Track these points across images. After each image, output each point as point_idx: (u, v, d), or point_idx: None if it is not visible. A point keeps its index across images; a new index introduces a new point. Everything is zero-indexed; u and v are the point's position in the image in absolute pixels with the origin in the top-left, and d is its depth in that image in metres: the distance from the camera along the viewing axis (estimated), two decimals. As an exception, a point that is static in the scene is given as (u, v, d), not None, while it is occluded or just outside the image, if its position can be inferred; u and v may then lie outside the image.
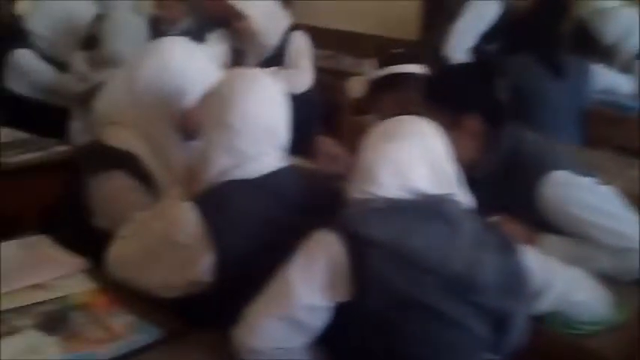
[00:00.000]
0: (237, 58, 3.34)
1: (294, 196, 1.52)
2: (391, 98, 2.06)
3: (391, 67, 2.07)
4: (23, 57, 2.85)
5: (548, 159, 1.77)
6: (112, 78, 1.82)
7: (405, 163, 1.40)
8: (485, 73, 1.83)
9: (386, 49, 4.20)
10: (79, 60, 2.84)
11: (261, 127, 1.50)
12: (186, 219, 1.44)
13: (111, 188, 1.70)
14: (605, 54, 3.41)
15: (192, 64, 1.76)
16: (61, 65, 2.91)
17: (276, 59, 3.14)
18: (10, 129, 2.56)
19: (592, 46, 3.43)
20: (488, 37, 3.50)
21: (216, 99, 1.55)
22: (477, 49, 3.49)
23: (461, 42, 3.45)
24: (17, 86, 2.85)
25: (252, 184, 1.48)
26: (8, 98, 2.82)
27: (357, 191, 1.41)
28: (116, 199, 1.69)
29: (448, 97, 1.79)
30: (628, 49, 3.37)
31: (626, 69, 3.36)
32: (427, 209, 1.36)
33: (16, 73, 2.84)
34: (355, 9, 4.52)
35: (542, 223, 1.72)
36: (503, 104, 1.82)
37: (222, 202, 1.45)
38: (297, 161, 1.77)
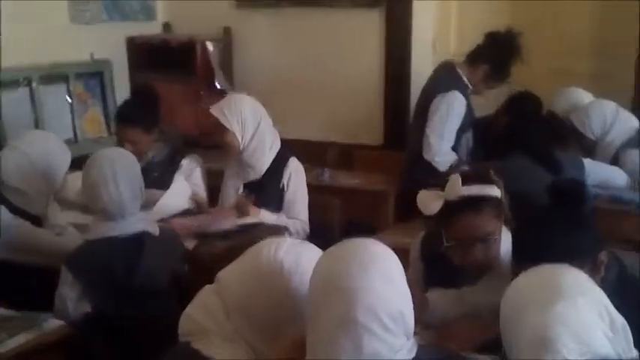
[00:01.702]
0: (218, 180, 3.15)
1: None
2: (473, 222, 1.89)
3: (475, 187, 1.90)
4: None
5: None
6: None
7: (584, 324, 1.21)
8: (571, 205, 1.67)
9: (355, 157, 4.27)
10: (55, 212, 2.51)
11: (389, 316, 1.26)
12: None
13: None
14: (590, 148, 3.43)
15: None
16: (35, 219, 2.55)
17: (263, 184, 2.97)
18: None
19: (577, 141, 3.45)
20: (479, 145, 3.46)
21: (332, 288, 1.30)
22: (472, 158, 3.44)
23: (442, 141, 3.39)
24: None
25: None
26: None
27: None
28: None
29: (548, 253, 1.59)
30: (612, 141, 3.39)
31: (612, 161, 3.36)
32: None
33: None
34: (319, 119, 4.39)
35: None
36: (599, 234, 1.67)
37: None
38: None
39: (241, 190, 3.02)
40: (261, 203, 2.95)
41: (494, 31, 3.43)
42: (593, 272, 1.56)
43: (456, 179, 1.92)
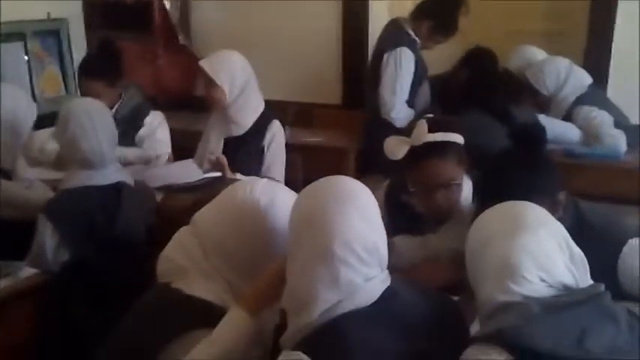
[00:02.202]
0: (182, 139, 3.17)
1: (408, 318, 1.35)
2: (436, 167, 1.95)
3: (440, 134, 1.96)
4: None
5: (615, 228, 1.71)
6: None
7: (546, 254, 1.28)
8: (531, 146, 1.76)
9: (314, 116, 4.31)
10: (23, 167, 2.50)
11: (365, 249, 1.33)
12: None
13: None
14: (544, 104, 3.54)
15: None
16: (3, 173, 2.54)
17: (244, 141, 2.99)
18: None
19: (531, 97, 3.56)
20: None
21: (310, 223, 1.35)
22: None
23: (396, 98, 3.44)
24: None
25: (367, 316, 1.30)
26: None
27: (498, 291, 1.24)
28: None
29: (510, 189, 1.67)
30: (565, 98, 3.49)
31: (565, 117, 3.48)
32: (589, 306, 1.24)
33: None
34: (278, 78, 4.41)
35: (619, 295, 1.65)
36: (560, 177, 1.77)
37: (338, 344, 1.26)
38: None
39: (221, 145, 3.03)
40: (239, 160, 2.96)
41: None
42: (551, 211, 1.65)
43: (422, 125, 1.98)
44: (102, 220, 2.25)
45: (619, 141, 3.34)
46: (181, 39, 4.27)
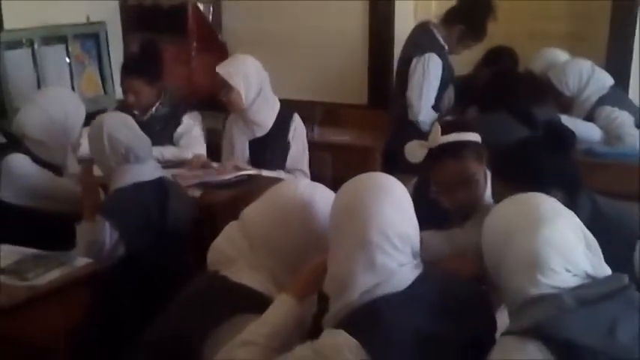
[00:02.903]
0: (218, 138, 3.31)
1: (438, 302, 1.46)
2: (454, 166, 2.04)
3: (454, 134, 2.06)
4: (18, 162, 2.63)
5: (631, 221, 1.80)
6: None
7: (567, 244, 1.37)
8: (560, 145, 1.86)
9: (340, 115, 4.42)
10: (74, 163, 2.67)
11: (397, 236, 1.46)
12: (343, 347, 1.36)
13: None
14: (567, 104, 3.63)
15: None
16: (55, 170, 2.71)
17: (268, 140, 3.10)
18: (10, 245, 2.33)
19: (553, 98, 3.64)
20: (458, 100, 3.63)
21: (349, 213, 1.49)
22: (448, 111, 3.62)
23: (423, 102, 3.53)
24: (9, 195, 2.61)
25: (402, 299, 1.43)
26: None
27: (528, 285, 1.35)
28: None
29: (528, 174, 1.79)
30: (587, 98, 3.57)
31: (587, 117, 3.57)
32: (618, 298, 1.33)
33: (9, 179, 2.60)
34: (305, 78, 4.53)
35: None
36: (578, 171, 1.86)
37: (376, 324, 1.39)
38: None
39: (247, 147, 3.17)
40: (267, 159, 3.11)
41: (469, -9, 3.54)
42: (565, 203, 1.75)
43: (436, 128, 2.08)
44: (156, 213, 2.41)
45: (639, 140, 3.41)
46: (221, 37, 4.38)
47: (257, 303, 1.61)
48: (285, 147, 3.15)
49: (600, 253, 1.45)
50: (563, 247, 1.37)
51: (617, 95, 3.59)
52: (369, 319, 1.40)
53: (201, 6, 4.38)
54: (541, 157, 1.83)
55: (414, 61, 3.53)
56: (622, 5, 3.75)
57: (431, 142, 2.07)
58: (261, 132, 3.14)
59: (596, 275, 1.40)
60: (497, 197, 1.84)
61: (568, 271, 1.37)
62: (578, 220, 1.47)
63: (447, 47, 3.58)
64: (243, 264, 1.71)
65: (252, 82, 3.07)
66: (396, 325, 1.39)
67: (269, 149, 3.13)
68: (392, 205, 1.48)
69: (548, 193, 1.73)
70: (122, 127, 2.48)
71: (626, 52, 3.75)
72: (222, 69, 3.08)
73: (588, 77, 3.57)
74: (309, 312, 1.67)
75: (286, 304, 1.57)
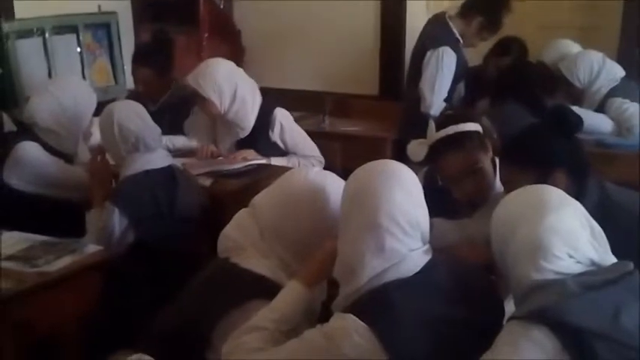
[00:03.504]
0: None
1: (450, 290, 1.47)
2: (455, 158, 2.05)
3: (451, 127, 2.07)
4: (29, 150, 2.65)
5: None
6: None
7: (571, 231, 1.38)
8: (566, 129, 1.86)
9: (351, 106, 4.44)
10: (85, 151, 2.69)
11: (407, 222, 1.46)
12: (352, 330, 1.37)
13: None
14: (578, 96, 3.62)
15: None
16: (66, 158, 2.74)
17: (253, 140, 3.10)
18: (20, 232, 2.35)
19: (564, 89, 3.64)
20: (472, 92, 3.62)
21: (358, 198, 1.50)
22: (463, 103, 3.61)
23: (436, 95, 3.52)
24: (21, 182, 2.63)
25: (410, 285, 1.43)
26: (9, 196, 2.60)
27: (532, 271, 1.36)
28: None
29: (534, 156, 1.80)
30: (598, 90, 3.57)
31: (597, 109, 3.56)
32: (621, 284, 1.34)
33: (20, 167, 2.62)
34: (316, 69, 4.54)
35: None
36: (586, 156, 1.87)
37: (385, 308, 1.39)
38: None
39: (233, 149, 3.13)
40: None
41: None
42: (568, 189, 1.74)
43: (431, 125, 2.10)
44: (165, 200, 2.42)
45: (650, 132, 3.41)
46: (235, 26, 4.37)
47: (267, 290, 1.63)
48: (272, 144, 3.11)
49: (606, 242, 1.46)
50: (567, 234, 1.39)
51: (628, 87, 3.57)
52: (378, 303, 1.41)
53: (213, -5, 4.40)
54: (546, 141, 1.84)
55: (429, 53, 3.52)
56: (633, -4, 3.74)
57: (429, 139, 2.09)
58: (243, 133, 3.10)
59: (602, 263, 1.41)
60: (506, 184, 1.85)
61: (571, 257, 1.38)
62: (584, 209, 1.48)
63: (462, 40, 3.57)
64: (253, 251, 1.72)
65: (225, 89, 3.00)
66: (405, 309, 1.39)
67: (256, 148, 3.09)
68: (402, 191, 1.49)
69: (554, 176, 1.76)
70: (133, 115, 2.49)
71: (638, 43, 3.73)
72: (191, 79, 3.02)
73: (599, 69, 3.57)
74: (318, 298, 1.69)
75: (296, 290, 1.58)
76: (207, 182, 2.88)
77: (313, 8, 4.47)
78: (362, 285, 1.44)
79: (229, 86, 3.01)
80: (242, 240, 1.75)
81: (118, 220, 2.38)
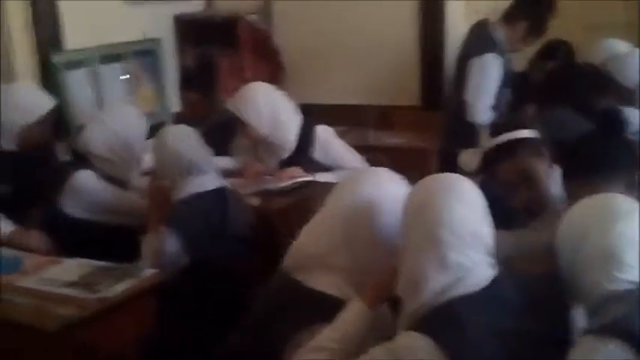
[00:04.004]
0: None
1: (518, 303, 1.45)
2: (510, 165, 2.04)
3: (505, 135, 2.06)
4: (85, 178, 2.72)
5: None
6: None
7: None
8: (618, 131, 1.84)
9: (394, 118, 4.43)
10: (138, 177, 2.75)
11: (469, 235, 1.45)
12: (417, 347, 1.36)
13: None
14: (629, 97, 3.53)
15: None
16: (120, 184, 2.80)
17: (295, 159, 3.12)
18: (79, 259, 2.41)
19: (615, 90, 3.56)
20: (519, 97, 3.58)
21: (419, 213, 1.49)
22: (511, 109, 3.57)
23: (482, 103, 3.49)
24: (77, 210, 2.70)
25: (478, 300, 1.42)
26: (67, 224, 2.68)
27: (605, 281, 1.33)
28: None
29: (595, 167, 1.78)
30: (649, 90, 3.48)
31: (649, 109, 3.47)
32: None
33: (77, 195, 2.70)
34: (357, 82, 4.55)
35: None
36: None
37: (453, 325, 1.38)
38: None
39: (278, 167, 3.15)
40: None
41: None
42: (631, 190, 1.71)
43: (485, 134, 2.11)
44: (218, 222, 2.46)
45: None
46: (275, 46, 4.44)
47: (332, 310, 1.62)
48: (314, 162, 3.11)
49: None
50: (638, 241, 1.36)
51: (679, 85, 3.49)
52: (445, 320, 1.40)
53: (253, 16, 4.44)
54: (607, 148, 1.83)
55: (474, 61, 3.49)
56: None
57: (482, 147, 2.08)
58: (285, 154, 3.13)
59: None
60: (572, 198, 1.82)
61: None
62: None
63: (506, 46, 3.52)
64: (319, 266, 1.70)
65: (264, 112, 3.03)
66: (472, 325, 1.38)
67: (299, 166, 3.09)
68: (462, 204, 1.48)
69: (618, 184, 1.73)
70: (185, 140, 2.55)
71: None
72: (231, 105, 3.08)
73: (648, 68, 3.48)
74: (382, 318, 1.66)
75: (357, 310, 1.58)
76: (255, 201, 2.91)
77: (350, 21, 4.47)
78: (426, 301, 1.43)
79: (269, 110, 3.05)
80: (313, 251, 1.72)
81: (173, 243, 2.42)
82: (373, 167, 1.87)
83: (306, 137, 3.11)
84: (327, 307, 1.63)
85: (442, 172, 1.66)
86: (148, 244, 2.47)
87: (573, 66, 3.62)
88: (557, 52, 3.80)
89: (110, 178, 2.78)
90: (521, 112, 3.38)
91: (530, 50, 3.84)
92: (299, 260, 1.75)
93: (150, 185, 2.64)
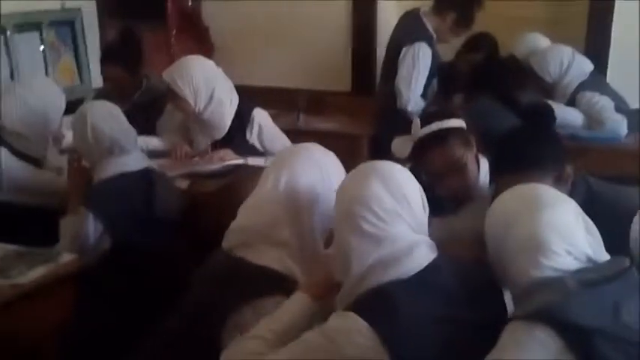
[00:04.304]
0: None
1: (454, 288, 1.45)
2: (440, 154, 2.05)
3: (435, 123, 2.06)
4: None
5: (625, 201, 1.82)
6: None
7: (568, 227, 1.38)
8: (547, 124, 1.88)
9: (325, 103, 4.40)
10: (56, 155, 2.60)
11: (382, 209, 1.46)
12: (353, 330, 1.35)
13: None
14: (548, 90, 3.64)
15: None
16: (35, 162, 2.64)
17: (229, 140, 3.04)
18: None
19: (535, 83, 3.66)
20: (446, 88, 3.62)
21: (340, 192, 1.52)
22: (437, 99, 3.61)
23: (412, 92, 3.53)
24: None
25: (414, 283, 1.41)
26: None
27: (530, 267, 1.35)
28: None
29: (523, 159, 1.79)
30: (568, 84, 3.59)
31: (568, 102, 3.59)
32: (619, 281, 1.34)
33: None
34: (289, 66, 4.49)
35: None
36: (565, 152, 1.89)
37: (388, 305, 1.37)
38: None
39: (209, 150, 3.07)
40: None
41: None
42: (560, 184, 1.75)
43: (416, 122, 2.11)
44: (141, 204, 2.36)
45: (620, 125, 3.46)
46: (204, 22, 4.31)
47: (276, 284, 1.61)
48: (249, 146, 3.05)
49: (600, 238, 1.46)
50: (565, 230, 1.39)
51: (597, 80, 3.62)
52: (380, 302, 1.39)
53: (181, -9, 4.32)
54: (537, 141, 1.85)
55: (404, 50, 3.52)
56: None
57: (414, 135, 2.09)
58: (219, 134, 3.04)
59: (597, 259, 1.41)
60: (501, 188, 1.84)
61: (569, 253, 1.38)
62: (577, 206, 1.48)
63: (435, 36, 3.57)
64: (261, 242, 1.68)
65: (201, 87, 2.93)
66: (409, 309, 1.37)
67: (232, 148, 3.03)
68: (378, 181, 1.49)
69: (546, 177, 1.76)
70: (108, 117, 2.43)
71: (605, 37, 3.77)
72: (167, 75, 2.95)
73: (569, 63, 3.60)
74: (330, 310, 1.64)
75: (301, 301, 1.56)
76: (184, 184, 2.83)
77: (283, 5, 4.42)
78: (356, 274, 1.43)
79: (206, 86, 2.95)
80: (255, 227, 1.70)
81: (92, 226, 2.31)
82: (308, 144, 1.83)
83: (242, 119, 3.04)
84: (269, 281, 1.61)
85: (374, 158, 1.67)
86: (67, 227, 2.36)
87: (496, 58, 3.69)
88: (482, 44, 3.87)
89: (24, 156, 2.62)
90: (449, 102, 3.42)
91: (457, 42, 3.89)
92: (240, 238, 1.72)
93: (69, 164, 2.50)
